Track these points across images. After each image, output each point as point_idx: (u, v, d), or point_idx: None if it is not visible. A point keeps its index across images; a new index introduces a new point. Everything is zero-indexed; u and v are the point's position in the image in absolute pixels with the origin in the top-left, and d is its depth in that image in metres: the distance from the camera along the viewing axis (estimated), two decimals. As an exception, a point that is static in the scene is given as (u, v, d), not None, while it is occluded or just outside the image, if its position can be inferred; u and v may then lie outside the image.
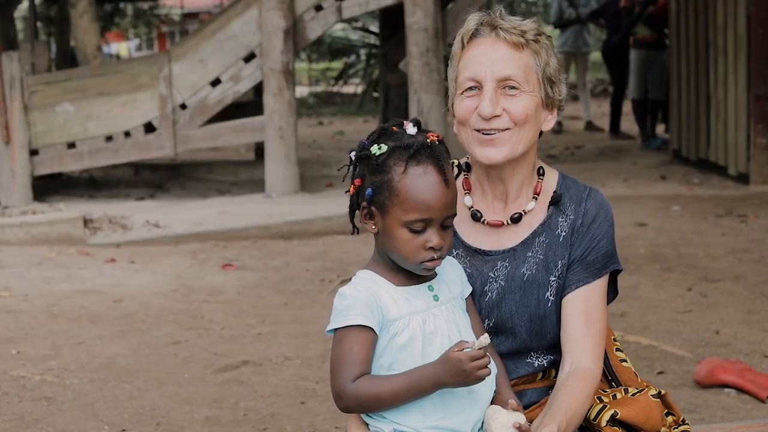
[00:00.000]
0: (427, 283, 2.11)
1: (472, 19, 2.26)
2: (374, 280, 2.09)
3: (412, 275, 2.08)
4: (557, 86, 2.28)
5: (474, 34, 2.24)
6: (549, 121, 2.30)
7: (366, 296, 2.04)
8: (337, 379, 2.03)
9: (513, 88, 2.21)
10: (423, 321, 2.06)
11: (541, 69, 2.24)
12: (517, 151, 2.24)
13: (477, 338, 2.09)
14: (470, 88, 2.23)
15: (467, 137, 2.26)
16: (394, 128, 2.10)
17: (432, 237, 2.03)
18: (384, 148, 2.06)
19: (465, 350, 1.97)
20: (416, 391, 2.00)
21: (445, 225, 2.06)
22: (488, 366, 1.98)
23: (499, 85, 2.21)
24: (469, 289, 2.22)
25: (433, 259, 2.05)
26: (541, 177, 2.33)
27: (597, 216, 2.30)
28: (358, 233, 2.19)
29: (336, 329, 2.05)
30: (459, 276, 2.20)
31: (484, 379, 1.98)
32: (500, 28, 2.22)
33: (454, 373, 1.97)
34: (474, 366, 1.96)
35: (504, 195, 2.31)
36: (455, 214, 2.08)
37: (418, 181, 2.03)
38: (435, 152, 2.05)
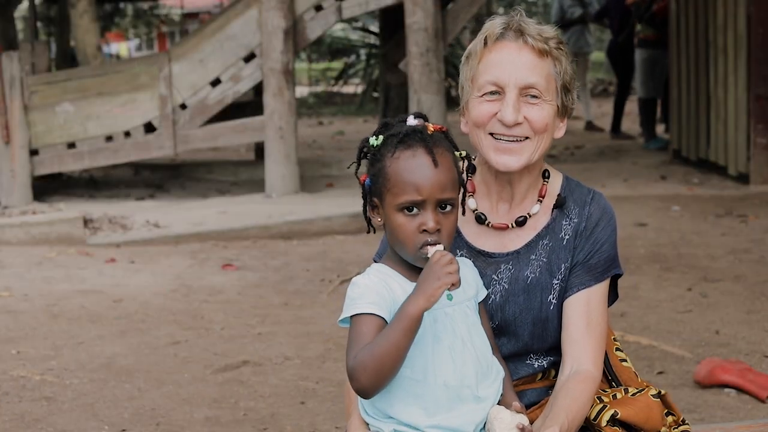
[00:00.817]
0: None
1: (498, 22, 2.24)
2: (388, 273, 2.08)
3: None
4: (571, 94, 2.28)
5: (498, 37, 2.22)
6: (560, 129, 2.30)
7: (378, 286, 2.03)
8: (346, 362, 2.01)
9: (534, 96, 2.20)
10: (434, 319, 2.05)
11: (560, 77, 2.24)
12: (533, 160, 2.24)
13: (490, 346, 2.09)
14: (490, 92, 2.22)
15: (481, 140, 2.25)
16: (397, 122, 2.10)
17: (427, 220, 2.01)
18: (380, 138, 2.07)
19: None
20: (406, 323, 1.94)
21: (443, 209, 2.03)
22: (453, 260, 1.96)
23: (521, 92, 2.20)
24: (484, 293, 2.21)
25: (428, 244, 2.01)
26: (547, 180, 2.33)
27: (600, 220, 2.30)
28: (375, 232, 2.17)
29: (348, 318, 2.04)
30: (474, 279, 2.19)
31: (458, 277, 1.95)
32: (527, 34, 2.20)
33: (423, 279, 1.95)
34: (440, 263, 1.94)
35: (510, 197, 2.31)
36: (452, 198, 2.04)
37: (406, 163, 2.02)
38: (425, 136, 2.04)
